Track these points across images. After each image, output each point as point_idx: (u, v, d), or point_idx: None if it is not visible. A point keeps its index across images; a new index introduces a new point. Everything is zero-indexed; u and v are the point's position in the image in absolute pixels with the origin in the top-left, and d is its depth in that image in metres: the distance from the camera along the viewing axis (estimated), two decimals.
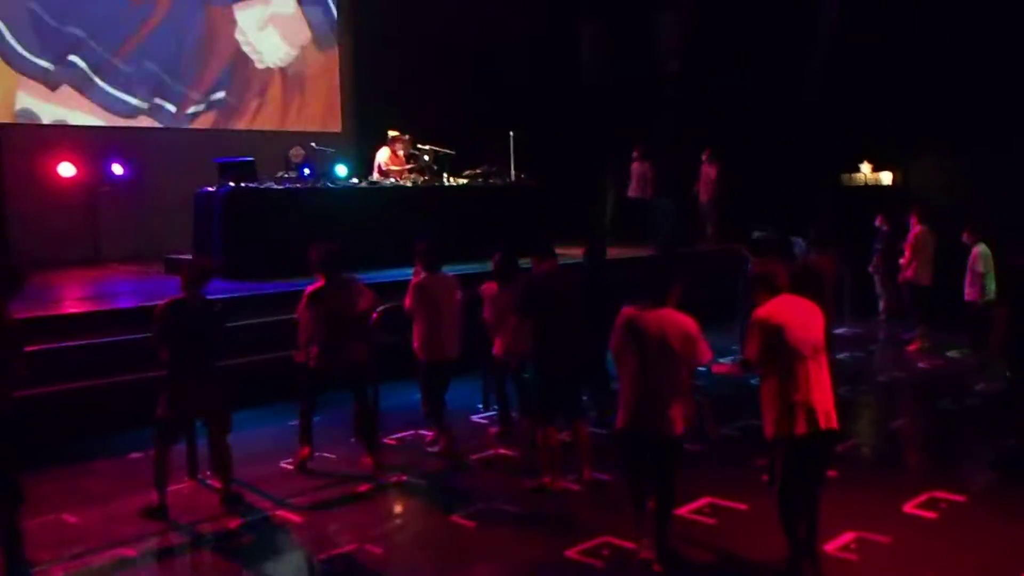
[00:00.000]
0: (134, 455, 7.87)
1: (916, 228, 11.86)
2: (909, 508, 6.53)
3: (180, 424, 6.96)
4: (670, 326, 5.59)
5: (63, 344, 7.83)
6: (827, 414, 5.36)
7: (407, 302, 7.99)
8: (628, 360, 5.68)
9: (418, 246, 8.09)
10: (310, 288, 7.67)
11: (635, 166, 17.26)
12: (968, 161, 15.27)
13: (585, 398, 7.89)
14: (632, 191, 17.32)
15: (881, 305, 13.52)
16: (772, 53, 16.88)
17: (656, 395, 5.57)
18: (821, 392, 5.38)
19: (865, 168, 17.37)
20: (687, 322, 5.64)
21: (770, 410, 5.41)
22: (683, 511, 6.45)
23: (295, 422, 8.77)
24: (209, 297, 7.17)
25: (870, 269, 13.39)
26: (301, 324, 7.68)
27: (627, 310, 5.74)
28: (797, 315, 5.39)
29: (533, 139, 15.39)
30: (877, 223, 13.38)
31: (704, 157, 16.85)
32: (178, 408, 6.81)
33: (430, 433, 8.36)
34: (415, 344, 7.99)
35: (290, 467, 7.80)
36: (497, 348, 8.28)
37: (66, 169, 13.97)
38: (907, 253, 11.85)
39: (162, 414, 6.78)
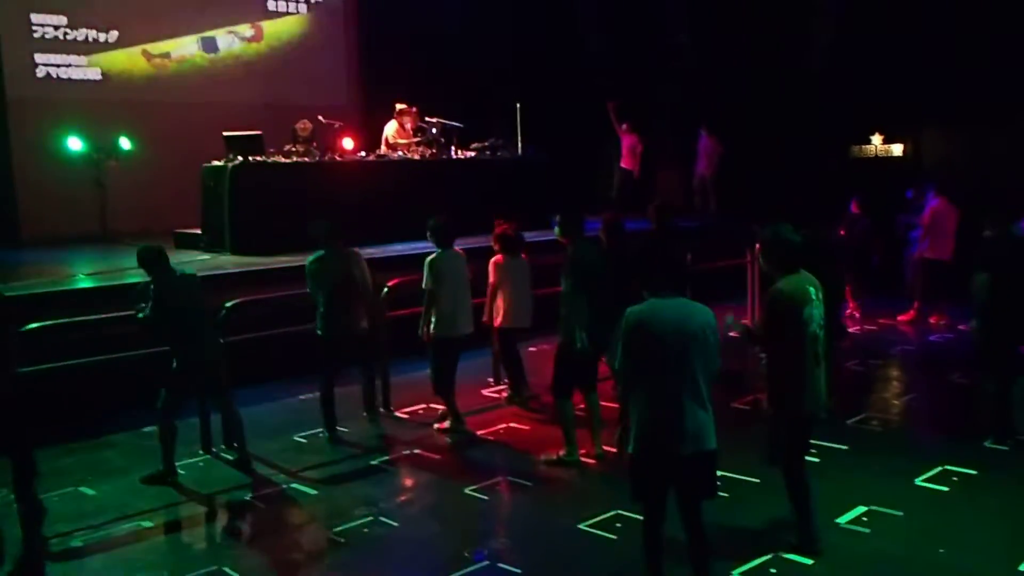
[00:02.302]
0: (149, 428, 7.91)
1: (934, 202, 11.70)
2: (921, 481, 6.56)
3: (180, 397, 7.01)
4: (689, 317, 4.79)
5: (77, 319, 7.84)
6: (825, 393, 5.45)
7: (424, 281, 7.98)
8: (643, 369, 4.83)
9: (430, 222, 8.08)
10: (308, 260, 7.85)
11: (626, 137, 17.03)
12: (980, 132, 15.20)
13: None
14: (623, 162, 17.14)
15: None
16: (780, 23, 16.79)
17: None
18: (826, 371, 5.45)
19: (876, 140, 17.29)
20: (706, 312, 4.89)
21: (779, 386, 5.41)
22: None
23: (306, 396, 8.87)
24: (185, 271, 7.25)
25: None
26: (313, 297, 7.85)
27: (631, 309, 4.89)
28: (810, 292, 5.36)
29: (540, 112, 15.36)
30: (852, 208, 12.12)
31: (702, 131, 16.70)
32: (177, 382, 6.90)
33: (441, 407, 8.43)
34: (428, 321, 7.99)
35: (303, 440, 7.87)
36: (502, 318, 8.43)
37: (74, 143, 13.95)
38: (924, 227, 11.70)
39: (166, 387, 6.89)
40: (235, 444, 7.35)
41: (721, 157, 16.57)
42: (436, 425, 8.15)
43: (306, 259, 7.94)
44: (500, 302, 8.46)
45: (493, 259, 8.50)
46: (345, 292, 7.80)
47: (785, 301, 5.30)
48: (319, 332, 7.86)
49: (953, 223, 11.56)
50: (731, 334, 5.70)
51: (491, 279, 8.45)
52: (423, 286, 7.92)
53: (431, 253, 8.00)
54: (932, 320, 11.80)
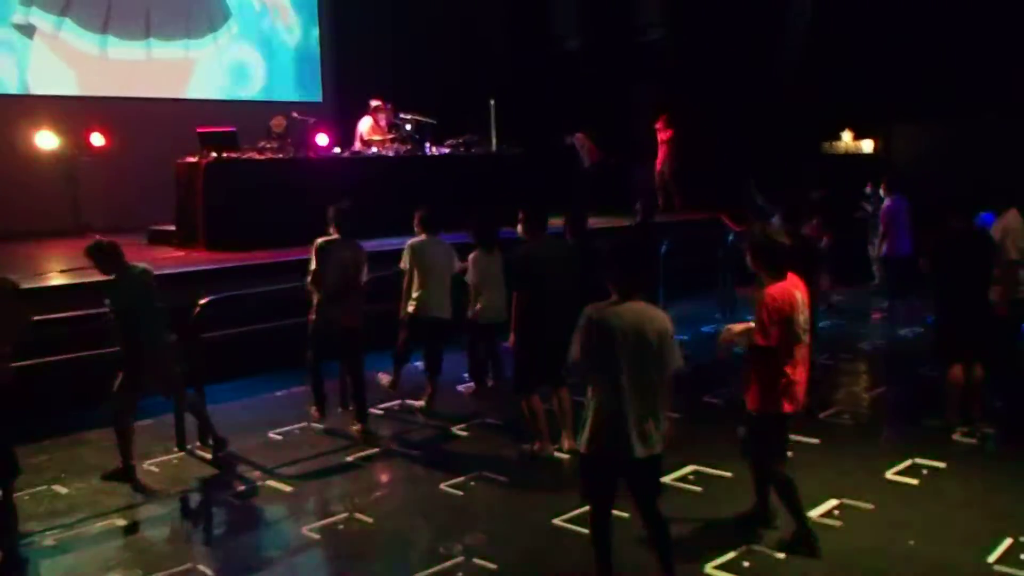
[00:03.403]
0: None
1: (888, 200, 11.89)
2: (891, 475, 6.64)
3: (133, 399, 6.94)
4: (648, 322, 4.78)
5: (51, 316, 7.79)
6: (803, 393, 5.54)
7: (402, 262, 8.43)
8: (600, 369, 4.82)
9: (417, 211, 8.54)
10: (320, 239, 7.74)
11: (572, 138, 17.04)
12: (951, 128, 15.36)
13: None
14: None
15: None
16: (752, 19, 16.88)
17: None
18: (806, 372, 5.53)
19: (846, 136, 17.44)
20: (664, 318, 4.88)
21: (762, 386, 5.43)
22: (668, 478, 6.55)
23: (282, 392, 8.86)
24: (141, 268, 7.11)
25: None
26: (313, 274, 7.73)
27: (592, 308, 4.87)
28: (798, 295, 5.39)
29: (514, 108, 15.37)
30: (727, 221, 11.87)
31: (658, 125, 16.60)
32: (131, 384, 6.83)
33: (385, 377, 8.87)
34: (406, 303, 8.40)
35: (279, 437, 7.85)
36: (483, 315, 8.54)
37: (45, 140, 13.83)
38: (881, 227, 11.88)
39: (116, 390, 6.81)
40: (198, 443, 7.30)
41: (672, 151, 16.49)
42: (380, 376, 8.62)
43: (287, 258, 7.89)
44: (482, 297, 8.55)
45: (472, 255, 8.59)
46: (346, 280, 7.74)
47: (776, 307, 5.30)
48: (313, 319, 7.80)
49: (907, 219, 11.75)
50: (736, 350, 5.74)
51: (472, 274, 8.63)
52: (400, 266, 8.40)
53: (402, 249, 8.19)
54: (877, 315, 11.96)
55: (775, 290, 5.36)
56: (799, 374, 5.44)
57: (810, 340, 5.58)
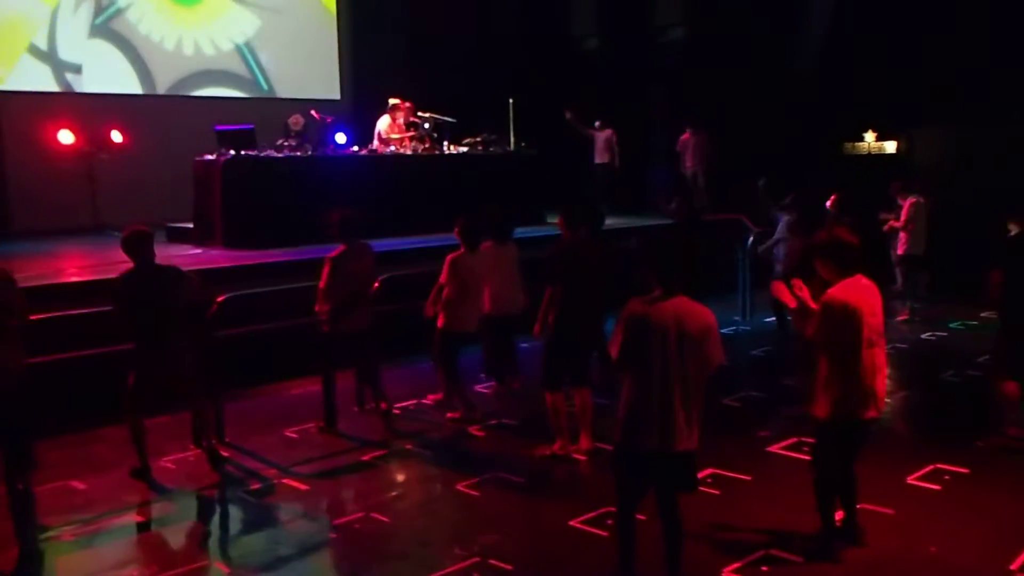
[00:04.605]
0: None
1: (907, 201, 11.76)
2: (912, 480, 6.56)
3: (149, 399, 6.86)
4: (690, 317, 4.77)
5: (68, 312, 7.81)
6: (882, 399, 5.42)
7: (443, 276, 8.12)
8: (639, 362, 4.82)
9: (457, 222, 8.29)
10: (331, 254, 7.73)
11: (600, 134, 16.88)
12: (974, 130, 15.22)
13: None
14: (598, 158, 17.07)
15: None
16: (774, 19, 16.78)
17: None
18: (883, 378, 5.40)
19: (869, 137, 17.30)
20: (708, 313, 4.87)
21: (831, 392, 5.29)
22: None
23: (298, 391, 8.85)
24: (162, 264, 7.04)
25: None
26: (323, 291, 7.73)
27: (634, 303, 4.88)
28: (867, 298, 5.26)
29: (533, 107, 15.33)
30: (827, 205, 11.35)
31: (688, 130, 16.58)
32: (146, 383, 6.75)
33: (433, 398, 8.61)
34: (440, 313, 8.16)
35: (295, 436, 7.84)
36: (493, 307, 8.49)
37: (65, 136, 13.90)
38: (901, 226, 11.75)
39: (130, 389, 6.73)
40: (204, 442, 7.26)
41: (708, 154, 16.47)
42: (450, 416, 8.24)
43: (328, 254, 7.81)
44: (490, 289, 8.49)
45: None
46: (359, 288, 7.79)
47: (842, 310, 5.17)
48: (325, 326, 7.79)
49: (925, 219, 11.66)
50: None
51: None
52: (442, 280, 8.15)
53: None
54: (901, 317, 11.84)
55: (840, 289, 5.24)
56: (875, 381, 5.27)
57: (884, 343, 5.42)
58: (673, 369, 4.71)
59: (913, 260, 11.86)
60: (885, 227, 12.00)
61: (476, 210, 8.77)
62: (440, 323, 8.19)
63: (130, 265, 6.78)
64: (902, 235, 11.76)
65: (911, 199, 11.73)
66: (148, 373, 6.72)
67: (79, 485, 6.82)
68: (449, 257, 8.16)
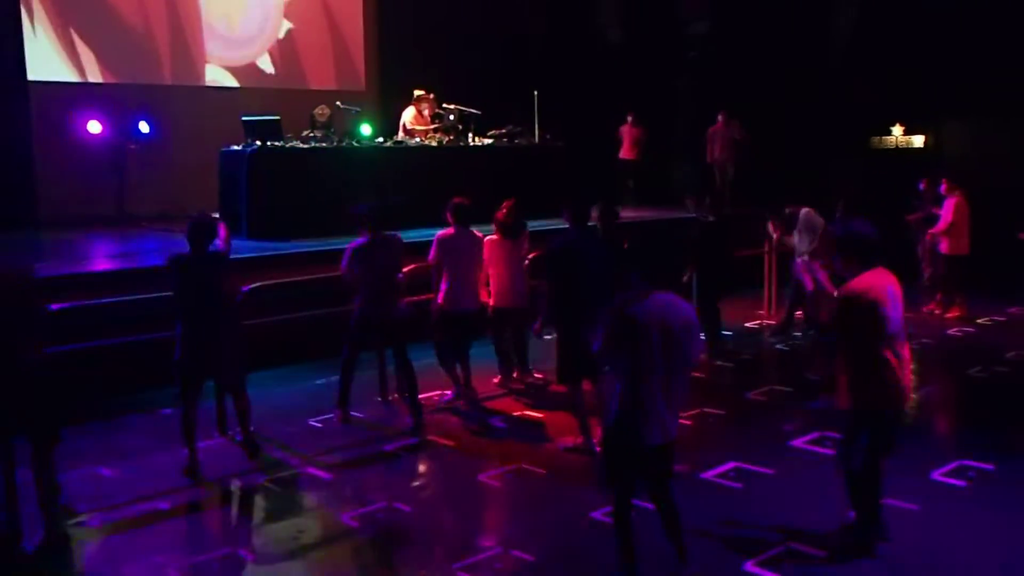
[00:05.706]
0: (166, 411, 7.96)
1: (951, 198, 11.57)
2: (938, 476, 6.52)
3: (194, 379, 6.90)
4: (674, 314, 4.88)
5: (95, 302, 7.88)
6: (907, 392, 5.45)
7: (431, 256, 8.30)
8: (624, 358, 4.91)
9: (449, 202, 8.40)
10: (352, 244, 7.74)
11: (629, 129, 16.84)
12: (1002, 124, 15.06)
13: None
14: (624, 153, 17.00)
15: None
16: (800, 13, 16.66)
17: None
18: (908, 372, 5.41)
19: (896, 131, 17.14)
20: (690, 311, 5.04)
21: (853, 383, 5.30)
22: (709, 475, 6.51)
23: (322, 381, 8.89)
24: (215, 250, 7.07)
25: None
26: (347, 281, 7.78)
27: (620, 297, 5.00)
28: (888, 290, 5.25)
29: (558, 100, 15.30)
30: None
31: (721, 117, 16.20)
32: (189, 362, 6.81)
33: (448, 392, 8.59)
34: (437, 296, 8.28)
35: (319, 425, 7.88)
36: (495, 299, 8.54)
37: (93, 127, 14.01)
38: (943, 225, 11.56)
39: (175, 367, 6.81)
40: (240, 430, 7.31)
41: (733, 144, 16.17)
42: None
43: (352, 243, 7.82)
44: (493, 282, 8.55)
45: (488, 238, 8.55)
46: (385, 279, 7.79)
47: (863, 302, 5.17)
48: (355, 315, 7.81)
49: (968, 218, 11.52)
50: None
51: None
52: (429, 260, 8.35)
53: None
54: (950, 315, 11.72)
55: (862, 281, 5.24)
56: (902, 372, 5.27)
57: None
58: (656, 365, 4.80)
59: (959, 261, 11.61)
60: (910, 218, 11.89)
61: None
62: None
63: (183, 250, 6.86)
64: (944, 236, 11.59)
65: (954, 198, 11.53)
66: (194, 358, 6.78)
67: (106, 472, 6.91)
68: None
